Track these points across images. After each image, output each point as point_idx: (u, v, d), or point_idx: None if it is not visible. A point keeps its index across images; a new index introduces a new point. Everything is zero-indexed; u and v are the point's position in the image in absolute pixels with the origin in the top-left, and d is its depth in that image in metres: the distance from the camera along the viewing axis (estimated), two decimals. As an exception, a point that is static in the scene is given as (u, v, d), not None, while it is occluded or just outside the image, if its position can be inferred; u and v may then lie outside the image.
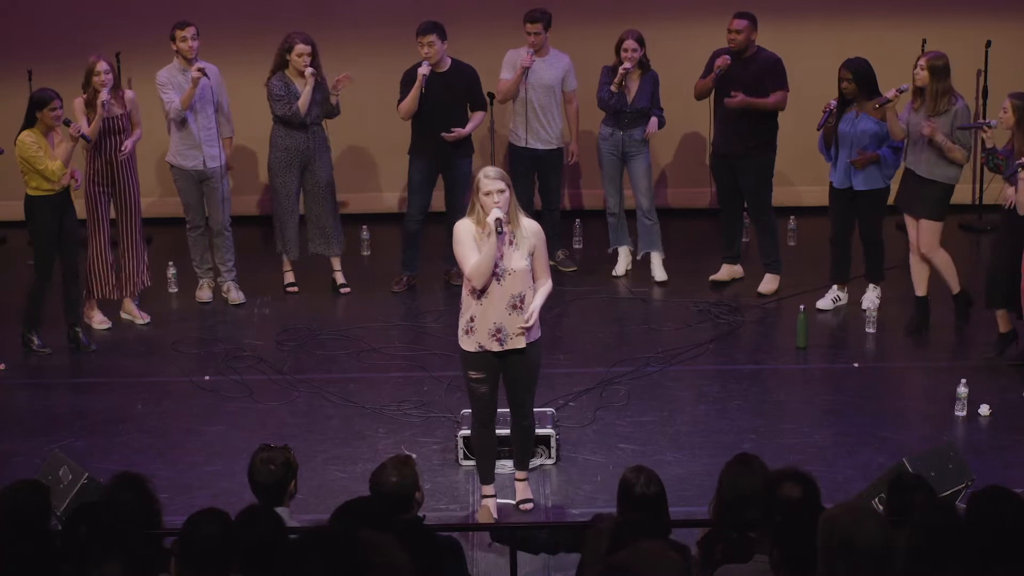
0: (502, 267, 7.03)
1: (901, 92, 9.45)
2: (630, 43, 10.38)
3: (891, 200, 9.97)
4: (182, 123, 10.11)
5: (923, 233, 9.51)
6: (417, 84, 10.18)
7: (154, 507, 5.63)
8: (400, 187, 12.06)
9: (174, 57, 10.10)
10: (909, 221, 9.64)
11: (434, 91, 10.23)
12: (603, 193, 10.87)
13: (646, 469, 5.66)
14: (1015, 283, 8.87)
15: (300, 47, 10.16)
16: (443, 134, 10.29)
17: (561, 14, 11.06)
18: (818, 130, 9.78)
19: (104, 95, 9.63)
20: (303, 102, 10.17)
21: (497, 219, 6.91)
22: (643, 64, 10.47)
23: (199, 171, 10.22)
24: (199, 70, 9.93)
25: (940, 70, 9.26)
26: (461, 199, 10.56)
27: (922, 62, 9.34)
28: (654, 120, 10.47)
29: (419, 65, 10.22)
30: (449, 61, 10.36)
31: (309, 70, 10.11)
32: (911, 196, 9.52)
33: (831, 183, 9.91)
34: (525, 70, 10.52)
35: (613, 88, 10.42)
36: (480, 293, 7.07)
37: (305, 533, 5.04)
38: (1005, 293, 9.02)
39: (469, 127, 10.45)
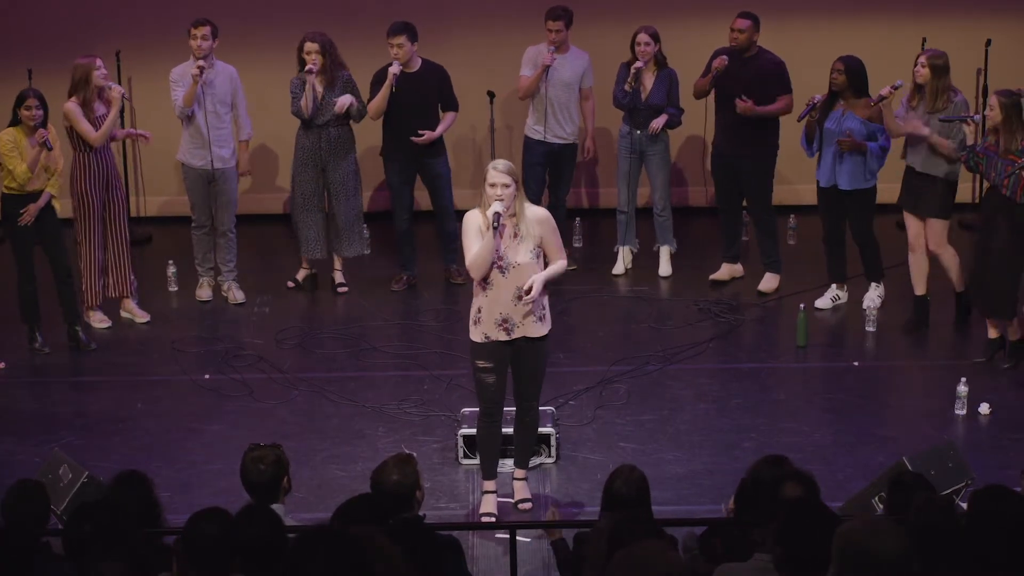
0: (507, 261, 7.06)
1: (896, 88, 9.47)
2: (643, 37, 10.39)
3: (890, 200, 9.97)
4: (190, 122, 10.11)
5: (931, 231, 9.50)
6: (387, 83, 10.14)
7: (155, 507, 5.64)
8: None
9: (191, 55, 10.11)
10: (909, 219, 9.63)
11: (405, 91, 10.19)
12: (604, 192, 10.88)
13: (636, 471, 5.73)
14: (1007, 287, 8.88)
15: (307, 45, 10.15)
16: (412, 138, 10.28)
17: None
18: (799, 121, 9.79)
19: (117, 89, 9.66)
20: (304, 101, 10.16)
21: (495, 214, 6.93)
22: (659, 61, 10.48)
23: (207, 171, 10.21)
24: (199, 67, 9.93)
25: (940, 68, 9.27)
26: (443, 198, 10.59)
27: (922, 59, 9.35)
28: (663, 117, 10.47)
29: (389, 65, 10.18)
30: (419, 61, 10.32)
31: (307, 67, 10.10)
32: (914, 195, 9.51)
33: (817, 181, 9.92)
34: (546, 68, 10.52)
35: (627, 87, 10.42)
36: (485, 284, 7.11)
37: (306, 532, 5.05)
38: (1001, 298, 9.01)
39: (439, 129, 10.40)
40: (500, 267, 7.07)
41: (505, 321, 7.15)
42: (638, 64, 10.36)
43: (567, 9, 10.60)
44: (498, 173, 6.98)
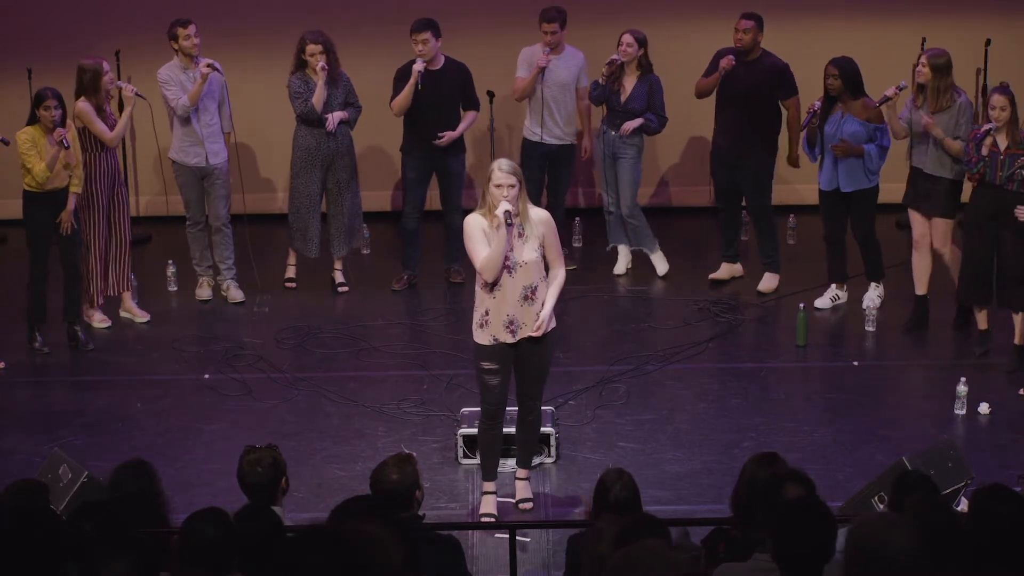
0: (513, 259, 7.08)
1: (901, 89, 9.46)
2: (626, 38, 10.38)
3: (895, 199, 9.97)
4: (185, 120, 10.12)
5: (936, 230, 9.50)
6: (412, 81, 10.17)
7: (160, 497, 5.64)
8: (392, 185, 12.07)
9: (174, 55, 10.11)
10: (915, 218, 9.61)
11: (427, 89, 10.21)
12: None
13: (625, 474, 5.75)
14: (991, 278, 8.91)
15: (311, 47, 10.18)
16: (434, 141, 10.30)
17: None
18: (801, 131, 9.82)
19: (129, 88, 9.68)
20: (317, 98, 10.16)
21: (506, 211, 6.96)
22: (642, 66, 10.45)
23: (201, 168, 10.23)
24: (209, 65, 9.95)
25: (942, 67, 9.27)
26: (455, 196, 10.59)
27: (924, 59, 9.35)
28: (637, 120, 10.41)
29: (413, 62, 10.21)
30: (443, 59, 10.35)
31: (319, 65, 10.12)
32: (921, 195, 9.49)
33: (819, 185, 9.93)
34: (541, 70, 10.51)
35: (600, 80, 10.42)
36: (493, 287, 7.13)
37: (304, 531, 5.04)
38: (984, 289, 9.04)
39: (460, 129, 10.43)
40: (507, 267, 7.10)
41: (511, 323, 7.16)
42: (613, 58, 10.35)
43: (561, 10, 10.58)
44: (504, 174, 7.01)
